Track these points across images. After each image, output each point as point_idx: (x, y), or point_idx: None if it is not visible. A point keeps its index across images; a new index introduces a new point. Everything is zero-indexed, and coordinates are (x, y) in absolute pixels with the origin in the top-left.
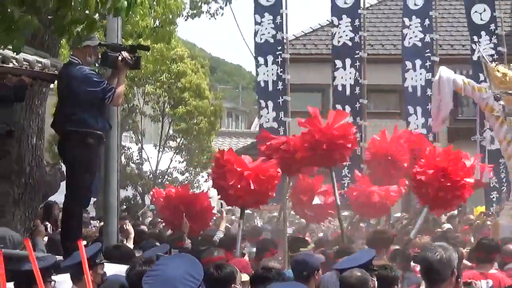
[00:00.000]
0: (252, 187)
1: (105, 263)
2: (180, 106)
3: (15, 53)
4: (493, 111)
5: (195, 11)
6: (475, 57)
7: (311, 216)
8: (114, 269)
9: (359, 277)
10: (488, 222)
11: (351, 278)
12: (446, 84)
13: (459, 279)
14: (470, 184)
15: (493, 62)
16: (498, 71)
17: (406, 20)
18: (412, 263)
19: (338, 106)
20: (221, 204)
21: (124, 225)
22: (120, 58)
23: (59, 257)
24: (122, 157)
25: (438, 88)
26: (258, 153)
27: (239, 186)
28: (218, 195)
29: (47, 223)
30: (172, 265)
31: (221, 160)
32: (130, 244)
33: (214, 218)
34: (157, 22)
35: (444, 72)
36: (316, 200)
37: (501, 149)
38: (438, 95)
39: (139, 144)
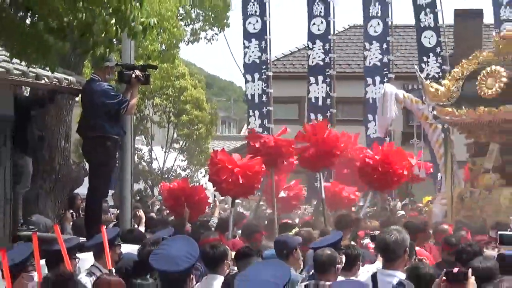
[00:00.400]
0: (241, 181)
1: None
2: (183, 115)
3: (49, 72)
4: (428, 119)
5: (194, 37)
6: (423, 75)
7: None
8: (128, 249)
9: (328, 255)
10: None
11: (322, 256)
12: (389, 97)
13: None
14: (407, 174)
15: (427, 79)
16: (431, 87)
17: (367, 44)
18: (365, 242)
19: (312, 115)
20: (215, 195)
21: (137, 212)
22: (133, 75)
23: (82, 239)
24: (135, 157)
25: (383, 101)
26: (247, 151)
27: (230, 180)
28: (213, 187)
29: (71, 211)
30: (174, 245)
31: (215, 159)
32: (142, 228)
33: (211, 206)
34: (163, 46)
35: (388, 88)
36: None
37: (434, 151)
38: (382, 107)
39: (149, 146)
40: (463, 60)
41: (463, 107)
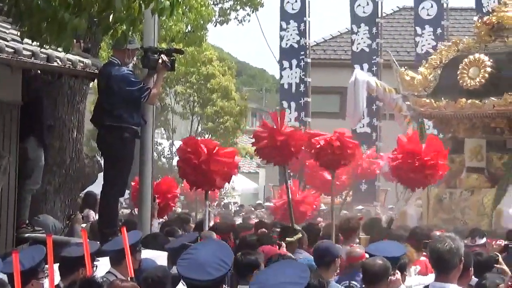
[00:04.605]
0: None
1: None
2: (209, 106)
3: (62, 53)
4: (402, 110)
5: (223, 18)
6: None
7: None
8: (148, 255)
9: (381, 265)
10: None
11: (374, 266)
12: (360, 85)
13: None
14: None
15: (403, 67)
16: (407, 75)
17: (418, 29)
18: None
19: None
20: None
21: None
22: (160, 61)
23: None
24: (154, 152)
25: (354, 89)
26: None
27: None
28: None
29: (90, 211)
30: (203, 250)
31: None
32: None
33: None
34: (189, 27)
35: (360, 74)
36: None
37: None
38: (353, 96)
39: (170, 140)
40: (442, 46)
41: (442, 98)
